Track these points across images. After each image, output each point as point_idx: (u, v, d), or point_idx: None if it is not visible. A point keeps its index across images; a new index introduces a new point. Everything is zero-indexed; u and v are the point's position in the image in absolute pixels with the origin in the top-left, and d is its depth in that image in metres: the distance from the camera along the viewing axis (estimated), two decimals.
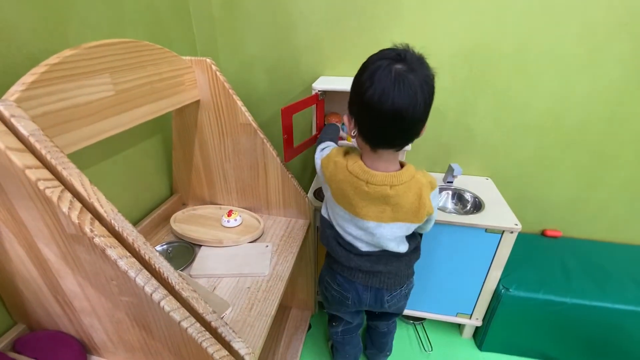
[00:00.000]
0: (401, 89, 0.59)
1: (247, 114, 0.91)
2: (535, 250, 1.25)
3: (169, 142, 1.07)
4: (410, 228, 0.74)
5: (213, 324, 0.54)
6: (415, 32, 1.09)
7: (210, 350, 0.51)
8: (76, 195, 0.44)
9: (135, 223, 0.96)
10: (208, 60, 0.85)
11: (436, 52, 1.10)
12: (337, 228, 0.79)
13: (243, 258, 0.87)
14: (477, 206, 1.10)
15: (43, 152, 0.42)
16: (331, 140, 0.87)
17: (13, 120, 0.41)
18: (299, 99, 1.08)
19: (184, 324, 0.49)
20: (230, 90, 0.88)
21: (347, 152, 0.75)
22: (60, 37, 0.70)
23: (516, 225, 0.98)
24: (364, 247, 0.78)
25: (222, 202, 1.10)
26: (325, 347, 1.25)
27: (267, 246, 0.92)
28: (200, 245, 0.92)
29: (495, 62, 1.08)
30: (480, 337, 1.23)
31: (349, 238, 0.78)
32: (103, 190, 0.84)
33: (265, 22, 1.16)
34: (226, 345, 0.55)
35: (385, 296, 0.83)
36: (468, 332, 1.27)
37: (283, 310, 1.30)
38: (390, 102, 0.59)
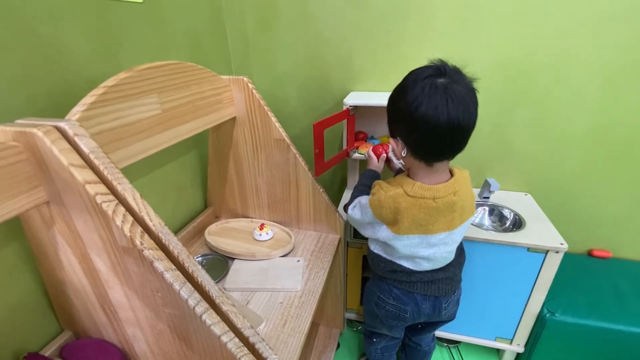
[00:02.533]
0: (453, 101, 0.60)
1: (281, 129, 0.93)
2: (582, 272, 1.16)
3: (204, 157, 1.11)
4: (469, 224, 0.78)
5: (251, 339, 0.54)
6: (447, 45, 1.08)
7: None
8: (128, 209, 0.47)
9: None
10: (245, 78, 0.89)
11: (471, 64, 1.08)
12: (399, 261, 0.78)
13: (275, 272, 0.87)
14: (517, 223, 1.05)
15: (101, 168, 0.45)
16: (365, 189, 0.83)
17: (76, 139, 0.44)
18: (329, 114, 1.09)
19: (224, 339, 0.49)
20: (265, 107, 0.91)
21: (389, 182, 0.75)
22: (113, 61, 0.76)
23: (562, 244, 0.92)
24: (428, 267, 0.77)
25: (253, 216, 1.11)
26: None
27: (298, 261, 0.92)
28: (234, 258, 0.94)
29: (532, 73, 1.05)
30: None
31: (411, 265, 0.77)
32: None
33: (296, 41, 1.19)
34: None
35: (443, 303, 0.81)
36: (508, 359, 1.19)
37: (311, 327, 1.28)
38: (446, 115, 0.60)
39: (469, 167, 1.24)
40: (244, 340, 0.53)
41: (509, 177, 1.21)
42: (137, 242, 0.45)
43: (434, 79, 0.61)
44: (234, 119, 0.95)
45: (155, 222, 0.48)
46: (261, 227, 1.01)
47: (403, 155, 0.70)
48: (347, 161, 1.22)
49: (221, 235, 1.03)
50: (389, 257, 0.78)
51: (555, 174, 1.17)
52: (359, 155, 1.14)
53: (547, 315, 1.02)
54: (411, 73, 0.66)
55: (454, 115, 0.60)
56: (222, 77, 0.87)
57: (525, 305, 1.04)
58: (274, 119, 0.92)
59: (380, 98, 1.10)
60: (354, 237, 1.10)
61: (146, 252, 0.46)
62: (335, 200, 1.20)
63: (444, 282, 0.79)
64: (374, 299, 0.87)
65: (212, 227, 1.06)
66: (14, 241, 0.60)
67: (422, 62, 1.10)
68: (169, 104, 0.67)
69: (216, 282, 0.85)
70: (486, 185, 1.11)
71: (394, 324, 0.88)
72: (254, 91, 0.89)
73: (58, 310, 0.67)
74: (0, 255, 0.59)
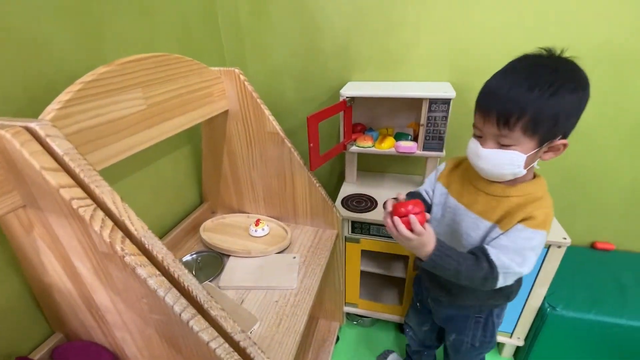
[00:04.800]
0: None
1: (275, 122, 0.90)
2: (584, 265, 1.14)
3: (198, 151, 1.08)
4: None
5: (241, 343, 0.52)
6: (449, 31, 1.03)
7: None
8: (108, 213, 0.44)
9: (166, 232, 0.98)
10: (236, 70, 0.85)
11: (473, 50, 1.04)
12: None
13: (270, 270, 0.86)
14: None
15: (77, 170, 0.42)
16: (466, 256, 0.63)
17: (48, 140, 0.41)
18: (327, 105, 1.05)
19: (213, 345, 0.48)
20: (258, 100, 0.88)
21: (534, 196, 0.62)
22: (96, 53, 0.73)
23: (565, 239, 0.90)
24: None
25: (250, 211, 1.09)
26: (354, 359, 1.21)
27: (294, 257, 0.90)
28: (229, 255, 0.92)
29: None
30: (521, 358, 1.14)
31: None
32: (135, 201, 0.86)
33: (291, 29, 1.15)
34: None
35: None
36: (508, 352, 1.18)
37: (310, 321, 1.27)
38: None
39: None
40: (235, 345, 0.52)
41: None
42: (118, 247, 0.43)
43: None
44: (226, 112, 0.91)
45: (137, 226, 0.46)
46: (257, 222, 0.98)
47: (541, 157, 0.61)
48: (345, 154, 1.19)
49: (217, 231, 1.01)
50: None
51: (556, 165, 1.13)
52: (357, 148, 1.11)
53: (548, 309, 1.00)
54: (574, 64, 0.56)
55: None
56: (212, 69, 0.83)
57: (526, 299, 1.02)
58: (267, 112, 0.89)
59: (379, 88, 1.06)
60: (351, 231, 1.08)
61: (128, 258, 0.43)
62: (333, 195, 1.17)
63: None
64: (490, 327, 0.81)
65: (208, 223, 1.04)
66: None
67: (421, 49, 1.07)
68: (154, 98, 0.64)
69: (211, 280, 0.85)
70: None
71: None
72: (245, 83, 0.86)
73: (47, 313, 0.66)
74: None
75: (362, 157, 1.27)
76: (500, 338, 1.13)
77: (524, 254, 0.60)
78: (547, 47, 0.58)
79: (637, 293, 1.02)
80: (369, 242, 1.08)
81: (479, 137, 0.62)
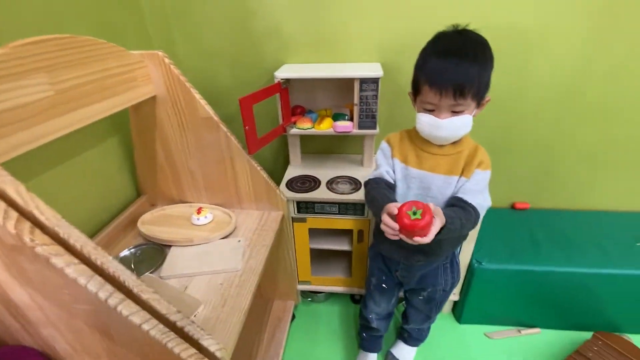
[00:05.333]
0: None
1: (208, 107, 0.88)
2: (505, 224, 1.29)
3: (129, 141, 1.03)
4: None
5: (178, 323, 0.53)
6: (376, 13, 1.08)
7: (176, 350, 0.50)
8: (12, 204, 0.42)
9: (101, 228, 0.93)
10: (160, 53, 0.82)
11: (411, 33, 1.10)
12: None
13: (215, 255, 0.86)
14: None
15: None
16: (385, 195, 0.75)
17: None
18: None
19: (145, 327, 0.48)
20: (187, 84, 0.85)
21: (476, 146, 0.79)
22: None
23: None
24: None
25: (192, 200, 1.07)
26: (311, 334, 1.26)
27: (239, 241, 0.91)
28: (171, 246, 0.90)
29: None
30: (458, 311, 1.27)
31: None
32: (61, 196, 0.81)
33: (221, 10, 1.12)
34: (195, 343, 0.54)
35: None
36: (447, 307, 1.31)
37: (265, 303, 1.30)
38: None
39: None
40: (171, 326, 0.52)
41: None
42: (27, 239, 0.41)
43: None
44: (154, 98, 0.88)
45: (48, 215, 0.44)
46: (199, 211, 0.97)
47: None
48: (287, 137, 1.20)
49: (157, 223, 0.98)
50: None
51: (480, 133, 1.25)
52: (297, 130, 1.13)
53: (475, 264, 1.13)
54: (483, 37, 0.70)
55: None
56: (134, 52, 0.79)
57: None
58: (197, 96, 0.87)
59: (313, 69, 1.09)
60: (297, 212, 1.11)
61: (39, 249, 0.42)
62: (280, 178, 1.19)
63: None
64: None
65: (146, 216, 1.01)
66: None
67: (354, 32, 1.11)
68: (63, 84, 0.60)
69: (152, 272, 0.83)
70: None
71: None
72: (171, 66, 0.83)
73: None
74: None
75: (305, 139, 1.29)
76: None
77: (484, 191, 0.77)
78: (455, 24, 0.70)
79: (547, 244, 1.18)
80: (315, 221, 1.12)
81: (431, 111, 0.71)
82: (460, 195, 0.74)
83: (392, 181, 0.82)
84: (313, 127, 1.12)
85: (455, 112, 0.69)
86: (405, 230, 0.62)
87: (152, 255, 0.88)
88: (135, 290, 0.50)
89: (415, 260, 0.86)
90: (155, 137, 0.96)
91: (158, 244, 0.91)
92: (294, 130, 1.13)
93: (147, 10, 1.12)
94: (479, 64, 0.67)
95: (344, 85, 1.14)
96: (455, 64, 0.66)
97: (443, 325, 1.28)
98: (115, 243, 0.93)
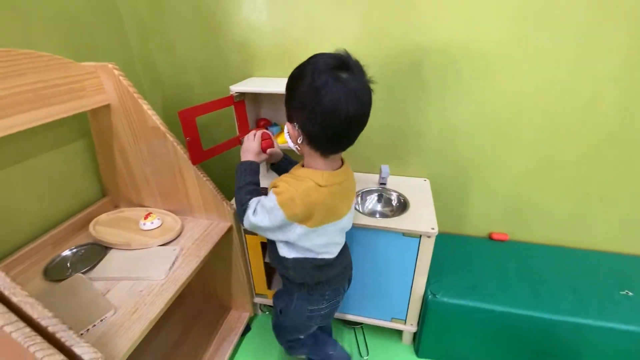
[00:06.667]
0: (354, 98, 0.60)
1: (155, 117, 0.92)
2: (477, 254, 1.21)
3: (93, 146, 1.09)
4: None
5: (50, 328, 0.54)
6: (335, 33, 1.07)
7: (39, 355, 0.51)
8: None
9: (55, 226, 0.98)
10: (110, 65, 0.87)
11: (363, 53, 1.08)
12: (321, 255, 0.77)
13: (146, 261, 0.88)
14: (402, 208, 1.07)
15: None
16: (254, 189, 0.78)
17: None
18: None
19: (8, 329, 0.50)
20: (135, 95, 0.89)
21: (291, 177, 0.71)
22: None
23: (433, 229, 0.95)
24: (336, 252, 0.80)
25: (149, 205, 1.11)
26: (264, 347, 1.24)
27: (174, 249, 0.92)
28: (112, 248, 0.94)
29: (419, 56, 1.05)
30: (417, 343, 1.20)
31: (327, 253, 0.78)
32: (13, 196, 0.86)
33: (190, 22, 1.17)
34: (68, 350, 0.56)
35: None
36: (407, 338, 1.24)
37: (222, 311, 1.30)
38: (346, 111, 0.60)
39: (372, 155, 1.25)
40: (42, 331, 0.54)
41: (409, 163, 1.23)
42: None
43: (338, 72, 0.60)
44: (108, 106, 0.93)
45: None
46: (146, 216, 1.00)
47: (299, 142, 0.69)
48: None
49: (110, 225, 1.03)
50: (310, 256, 0.76)
51: (450, 160, 1.20)
52: None
53: (430, 296, 1.06)
54: (315, 59, 0.63)
55: (353, 112, 0.61)
56: (84, 64, 0.85)
57: (411, 287, 1.08)
58: (145, 107, 0.91)
59: (274, 84, 1.09)
60: None
61: None
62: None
63: (349, 263, 0.88)
64: (304, 315, 0.85)
65: (102, 217, 1.06)
66: None
67: (313, 47, 1.11)
68: None
69: (85, 272, 0.87)
70: (380, 172, 1.13)
71: (323, 322, 0.92)
72: (120, 78, 0.88)
73: None
74: None
75: None
76: (396, 325, 1.18)
77: (263, 211, 0.72)
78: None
79: (516, 281, 1.09)
80: None
81: None
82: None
83: None
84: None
85: None
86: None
87: (91, 256, 0.92)
88: (6, 292, 0.52)
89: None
90: (113, 143, 1.01)
91: (102, 246, 0.95)
92: None
93: (128, 25, 1.19)
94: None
95: None
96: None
97: (400, 356, 1.21)
98: (66, 241, 0.98)
